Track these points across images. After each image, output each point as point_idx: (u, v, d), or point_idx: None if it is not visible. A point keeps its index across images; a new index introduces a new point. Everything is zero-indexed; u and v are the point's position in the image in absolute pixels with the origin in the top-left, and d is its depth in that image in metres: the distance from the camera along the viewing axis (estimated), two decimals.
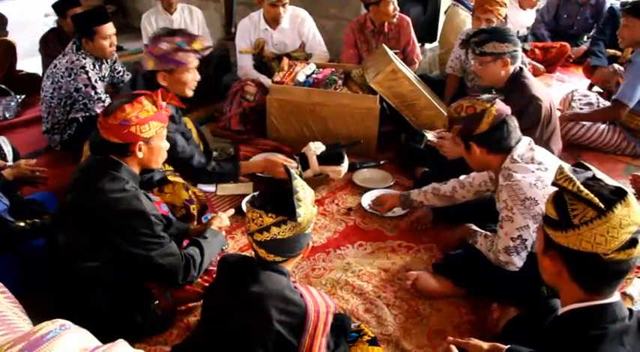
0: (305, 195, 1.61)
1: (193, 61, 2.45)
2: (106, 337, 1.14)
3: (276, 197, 1.60)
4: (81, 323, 1.09)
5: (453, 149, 2.47)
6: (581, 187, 1.25)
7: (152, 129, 1.88)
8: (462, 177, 2.51)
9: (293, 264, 1.74)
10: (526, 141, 2.13)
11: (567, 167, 1.34)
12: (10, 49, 4.32)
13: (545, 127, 2.66)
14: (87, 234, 1.84)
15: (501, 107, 2.07)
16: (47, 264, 1.96)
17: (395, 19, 3.74)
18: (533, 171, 2.01)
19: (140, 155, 1.90)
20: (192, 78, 2.48)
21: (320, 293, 1.70)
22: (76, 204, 1.87)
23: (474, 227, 2.35)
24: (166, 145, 2.03)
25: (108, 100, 3.26)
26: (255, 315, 1.54)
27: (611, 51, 4.47)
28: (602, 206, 1.22)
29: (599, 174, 1.34)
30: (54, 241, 1.92)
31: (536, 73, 4.76)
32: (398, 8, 3.69)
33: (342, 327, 1.81)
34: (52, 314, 1.23)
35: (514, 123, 2.10)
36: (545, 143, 2.60)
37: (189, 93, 2.52)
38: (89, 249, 1.84)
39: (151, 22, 4.11)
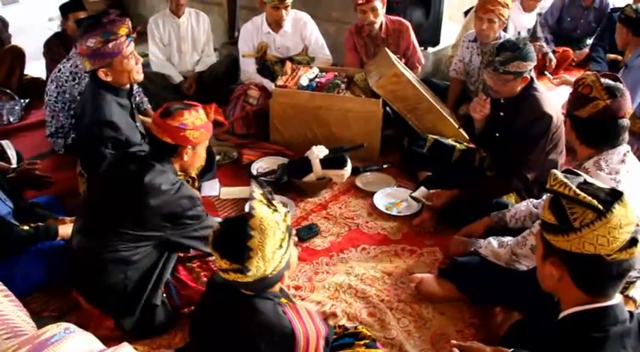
0: (264, 240, 1.36)
1: (127, 46, 2.37)
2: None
3: (233, 237, 1.37)
4: (95, 303, 1.10)
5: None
6: (578, 191, 1.28)
7: (201, 136, 2.01)
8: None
9: (278, 286, 1.58)
10: (623, 149, 2.01)
11: (559, 173, 1.35)
12: (19, 56, 4.27)
13: (550, 139, 2.64)
14: (141, 228, 1.94)
15: (614, 106, 1.93)
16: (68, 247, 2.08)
17: (377, 26, 3.65)
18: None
19: (185, 158, 2.04)
20: (133, 63, 2.43)
21: (311, 316, 1.59)
22: (130, 202, 1.94)
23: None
24: (204, 154, 2.16)
25: None
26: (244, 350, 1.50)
27: (612, 56, 4.47)
28: (601, 207, 1.24)
29: (590, 180, 1.36)
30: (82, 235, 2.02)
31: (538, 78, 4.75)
32: (380, 14, 3.60)
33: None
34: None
35: (618, 125, 1.96)
36: (546, 153, 2.60)
37: (139, 77, 2.49)
38: (135, 237, 1.94)
39: (158, 26, 4.10)
